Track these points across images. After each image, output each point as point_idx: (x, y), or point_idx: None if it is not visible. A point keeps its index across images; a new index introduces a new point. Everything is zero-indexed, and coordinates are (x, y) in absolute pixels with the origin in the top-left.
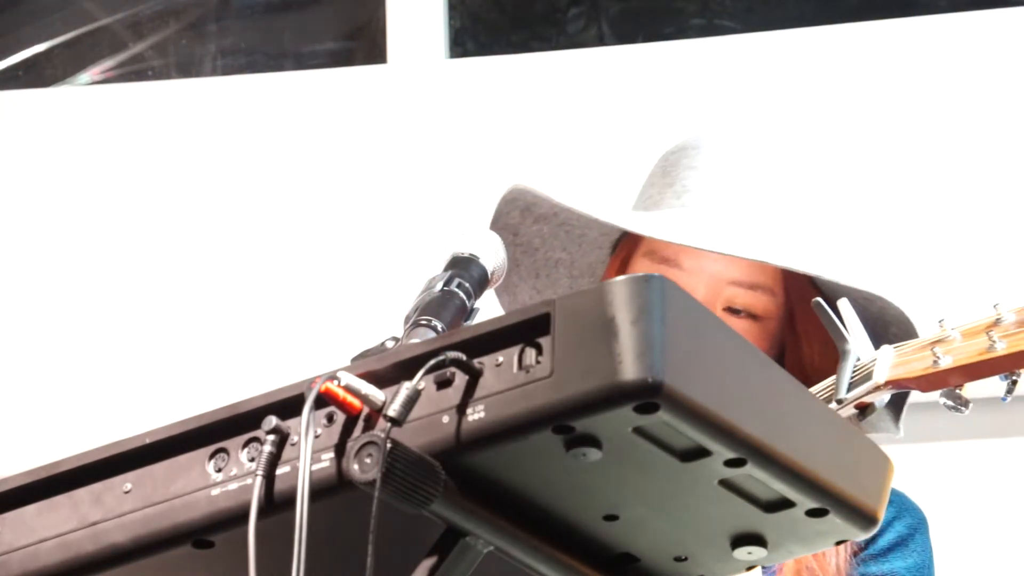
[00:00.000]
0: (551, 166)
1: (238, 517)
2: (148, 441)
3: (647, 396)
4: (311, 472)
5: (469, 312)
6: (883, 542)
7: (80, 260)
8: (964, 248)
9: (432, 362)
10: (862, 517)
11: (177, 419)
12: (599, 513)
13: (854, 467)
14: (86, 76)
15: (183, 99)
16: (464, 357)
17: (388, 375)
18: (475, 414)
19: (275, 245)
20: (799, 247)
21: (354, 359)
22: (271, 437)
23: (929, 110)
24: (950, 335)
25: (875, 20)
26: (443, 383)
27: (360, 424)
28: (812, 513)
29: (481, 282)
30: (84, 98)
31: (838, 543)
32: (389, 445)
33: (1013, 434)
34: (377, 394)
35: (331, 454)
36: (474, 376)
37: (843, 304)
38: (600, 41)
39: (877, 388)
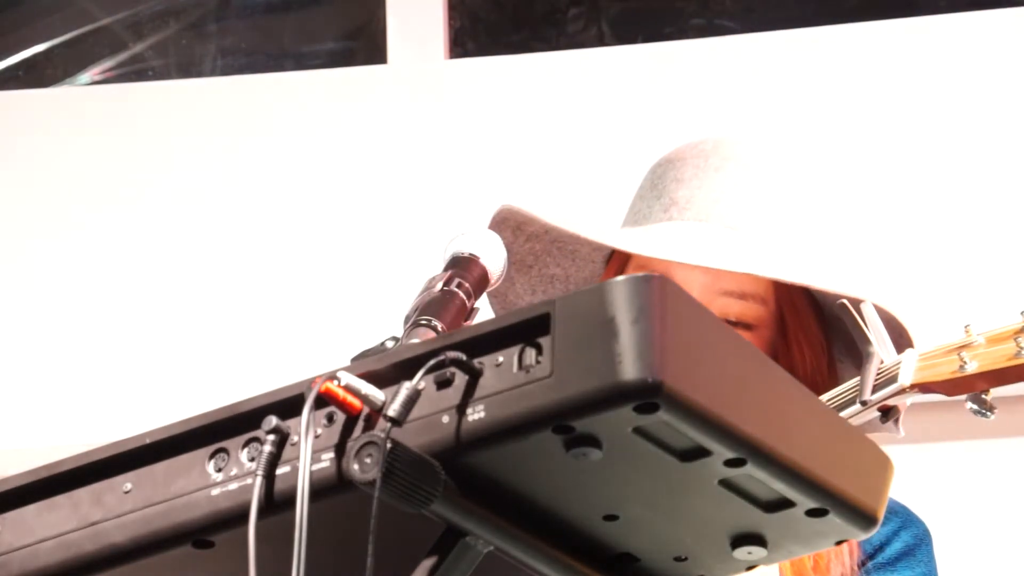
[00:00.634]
0: (551, 166)
1: (238, 517)
2: (148, 441)
3: (647, 396)
4: (311, 472)
5: (469, 312)
6: (891, 552)
7: (80, 260)
8: (964, 248)
9: (432, 362)
10: (862, 517)
11: (177, 419)
12: (599, 513)
13: (854, 467)
14: (86, 76)
15: (183, 99)
16: (464, 357)
17: (388, 375)
18: (475, 414)
19: (275, 245)
20: (786, 256)
21: (354, 359)
22: (271, 437)
23: (929, 110)
24: (976, 340)
25: (875, 20)
26: (443, 383)
27: (360, 424)
28: (812, 513)
29: (481, 282)
30: (84, 98)
31: (838, 543)
32: (389, 445)
33: (1013, 434)
34: (377, 394)
35: (331, 454)
36: (474, 376)
37: (866, 307)
38: (600, 41)
39: (903, 391)
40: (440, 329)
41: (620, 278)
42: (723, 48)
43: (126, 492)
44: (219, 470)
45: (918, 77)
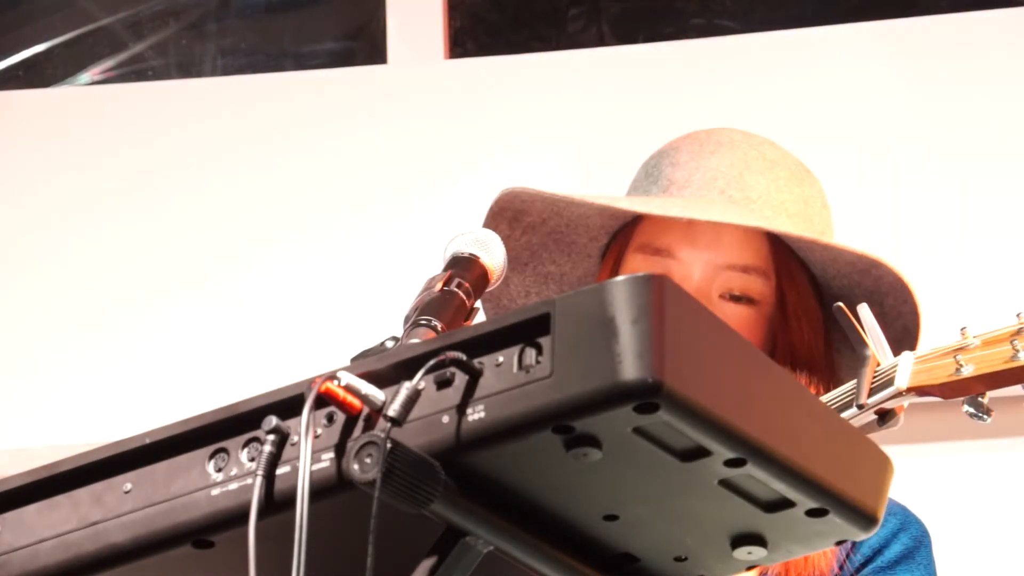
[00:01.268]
0: (551, 166)
1: (238, 517)
2: (148, 441)
3: (647, 396)
4: (311, 472)
5: (469, 312)
6: (890, 554)
7: (80, 260)
8: (964, 248)
9: (432, 362)
10: (862, 517)
11: (177, 419)
12: (599, 513)
13: (854, 467)
14: (86, 76)
15: (183, 99)
16: (464, 357)
17: (388, 375)
18: (475, 414)
19: (275, 245)
20: (783, 224)
21: (354, 359)
22: (271, 437)
23: (929, 110)
24: (972, 342)
25: (875, 20)
26: (443, 383)
27: (360, 424)
28: (812, 513)
29: (481, 282)
30: (84, 98)
31: (838, 543)
32: (389, 445)
33: (1011, 434)
34: (377, 394)
35: (331, 454)
36: (474, 376)
37: (863, 309)
38: (600, 41)
39: (899, 394)
40: (440, 329)
41: (620, 278)
42: (723, 48)
43: (126, 492)
44: (219, 470)
45: (918, 77)
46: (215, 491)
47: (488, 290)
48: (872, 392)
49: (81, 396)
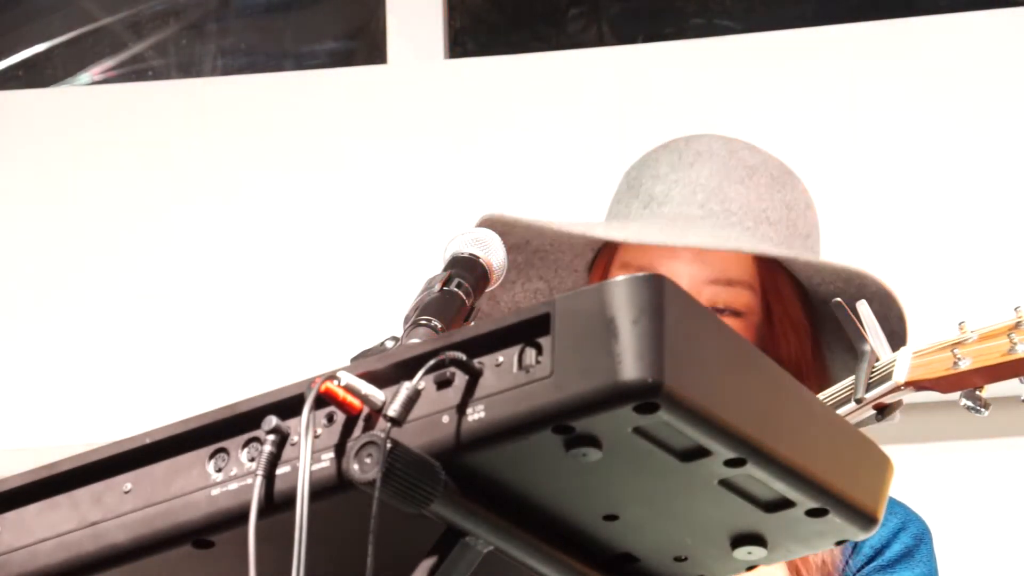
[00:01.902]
0: (551, 166)
1: (238, 517)
2: (148, 441)
3: (647, 396)
4: (311, 472)
5: (469, 312)
6: (890, 554)
7: (80, 260)
8: (962, 247)
9: (432, 362)
10: (862, 517)
11: (177, 419)
12: (599, 513)
13: (854, 467)
14: (86, 76)
15: (183, 99)
16: (464, 357)
17: (388, 375)
18: (475, 414)
19: (275, 245)
20: (768, 236)
21: (354, 359)
22: (271, 437)
23: (929, 110)
24: (970, 337)
25: (875, 20)
26: (443, 383)
27: (360, 424)
28: (812, 513)
29: (481, 282)
30: (84, 98)
31: (838, 543)
32: (389, 445)
33: (1011, 434)
34: (377, 394)
35: (331, 454)
36: (474, 376)
37: (862, 305)
38: (600, 41)
39: (897, 388)
40: (440, 329)
41: (620, 278)
42: (723, 48)
43: (126, 492)
44: (219, 470)
45: (918, 77)
46: (215, 491)
47: (488, 290)
48: (870, 387)
49: (81, 396)
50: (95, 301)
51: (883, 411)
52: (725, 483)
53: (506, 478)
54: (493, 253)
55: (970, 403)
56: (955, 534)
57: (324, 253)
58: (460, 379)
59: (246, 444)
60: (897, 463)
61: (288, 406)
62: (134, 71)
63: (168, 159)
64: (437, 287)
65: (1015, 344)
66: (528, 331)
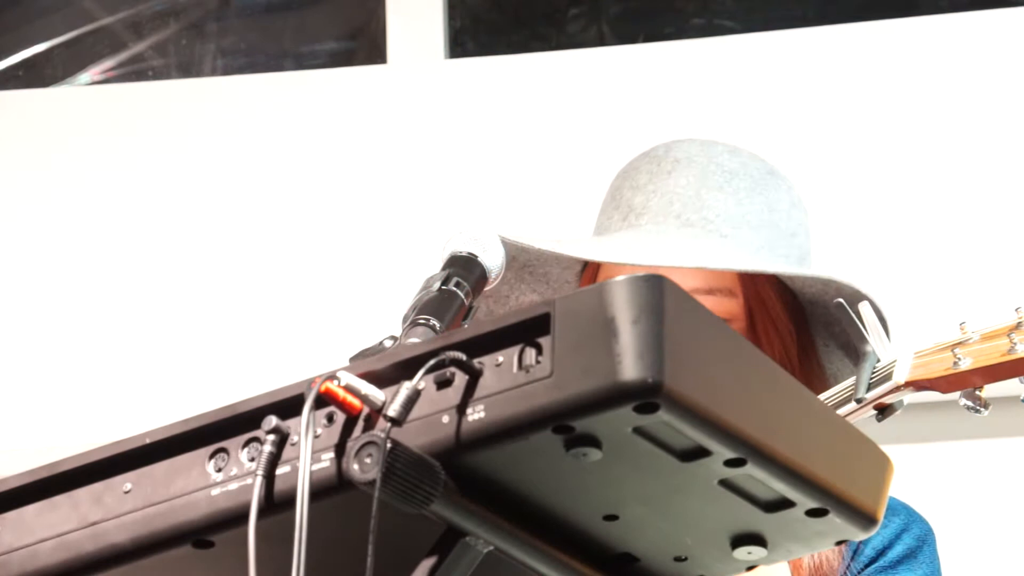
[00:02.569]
0: (551, 167)
1: (238, 517)
2: (148, 441)
3: (647, 396)
4: (311, 472)
5: (468, 311)
6: (892, 554)
7: (80, 260)
8: (963, 247)
9: (432, 362)
10: (862, 517)
11: (177, 419)
12: (599, 513)
13: (854, 467)
14: (86, 76)
15: (183, 99)
16: (464, 357)
17: (388, 375)
18: (475, 414)
19: (275, 245)
20: (742, 246)
21: (353, 359)
22: (271, 437)
23: (929, 110)
24: (971, 337)
25: (875, 20)
26: (443, 383)
27: (360, 424)
28: (812, 513)
29: (480, 281)
30: (84, 98)
31: (838, 543)
32: (389, 445)
33: (1011, 434)
34: (377, 394)
35: (331, 454)
36: (474, 376)
37: (863, 307)
38: (600, 41)
39: (897, 388)
40: (438, 329)
41: (620, 278)
42: (723, 48)
43: (126, 492)
44: (219, 470)
45: (918, 77)
46: (215, 491)
47: (487, 289)
48: (871, 387)
49: (81, 396)
50: (95, 301)
51: (884, 411)
52: (725, 483)
53: (506, 478)
54: (492, 252)
55: (970, 403)
56: (955, 534)
57: (324, 253)
58: (460, 379)
59: (246, 444)
60: (897, 463)
61: (288, 406)
62: (134, 71)
63: (168, 159)
64: (436, 286)
65: (1015, 344)
66: (528, 331)
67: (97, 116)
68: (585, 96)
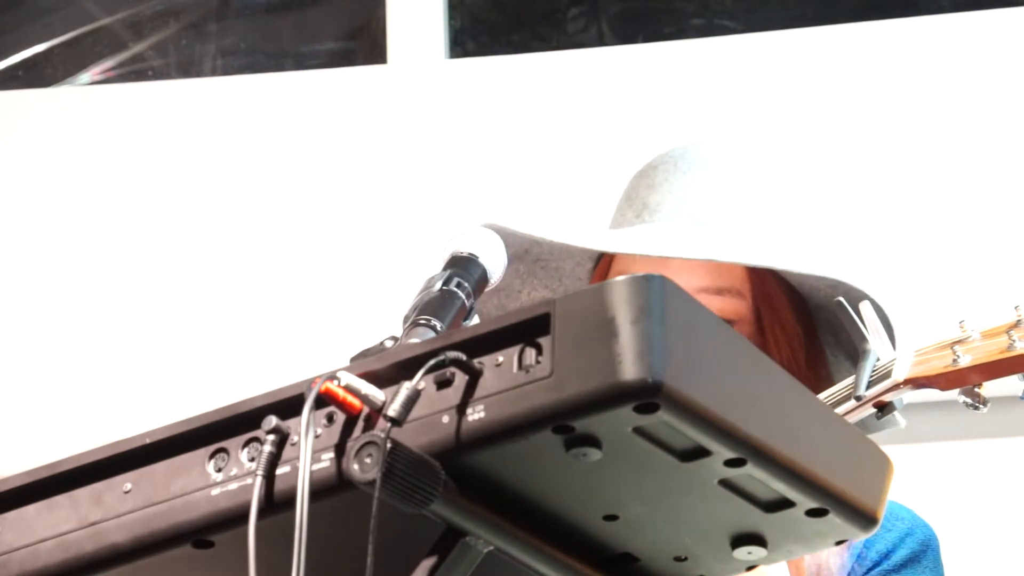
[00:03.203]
0: (551, 167)
1: (238, 517)
2: (148, 441)
3: (647, 396)
4: (311, 472)
5: (468, 312)
6: (896, 558)
7: (81, 260)
8: (963, 247)
9: (432, 362)
10: (862, 517)
11: (177, 419)
12: (599, 513)
13: (854, 467)
14: (86, 76)
15: (183, 99)
16: (464, 357)
17: (388, 375)
18: (475, 414)
19: (275, 245)
20: (754, 245)
21: (353, 359)
22: (271, 437)
23: (930, 110)
24: (970, 335)
25: (875, 20)
26: (443, 383)
27: (360, 424)
28: (812, 513)
29: (480, 282)
30: (84, 98)
31: (838, 543)
32: (389, 445)
33: (1012, 434)
34: (377, 394)
35: (331, 454)
36: (474, 376)
37: (864, 306)
38: (600, 41)
39: (896, 386)
40: (439, 329)
41: (620, 278)
42: (723, 48)
43: (126, 492)
44: (219, 470)
45: (918, 77)
46: (215, 491)
47: (496, 284)
48: (870, 385)
49: (81, 396)
50: (95, 301)
51: (883, 409)
52: (725, 483)
53: (506, 478)
54: (493, 252)
55: (969, 400)
56: (955, 534)
57: (324, 253)
58: (460, 379)
59: (246, 444)
60: (897, 463)
61: (288, 406)
62: (134, 71)
63: (168, 159)
64: (437, 286)
65: (1014, 341)
66: (528, 331)
67: (97, 116)
68: (585, 96)
